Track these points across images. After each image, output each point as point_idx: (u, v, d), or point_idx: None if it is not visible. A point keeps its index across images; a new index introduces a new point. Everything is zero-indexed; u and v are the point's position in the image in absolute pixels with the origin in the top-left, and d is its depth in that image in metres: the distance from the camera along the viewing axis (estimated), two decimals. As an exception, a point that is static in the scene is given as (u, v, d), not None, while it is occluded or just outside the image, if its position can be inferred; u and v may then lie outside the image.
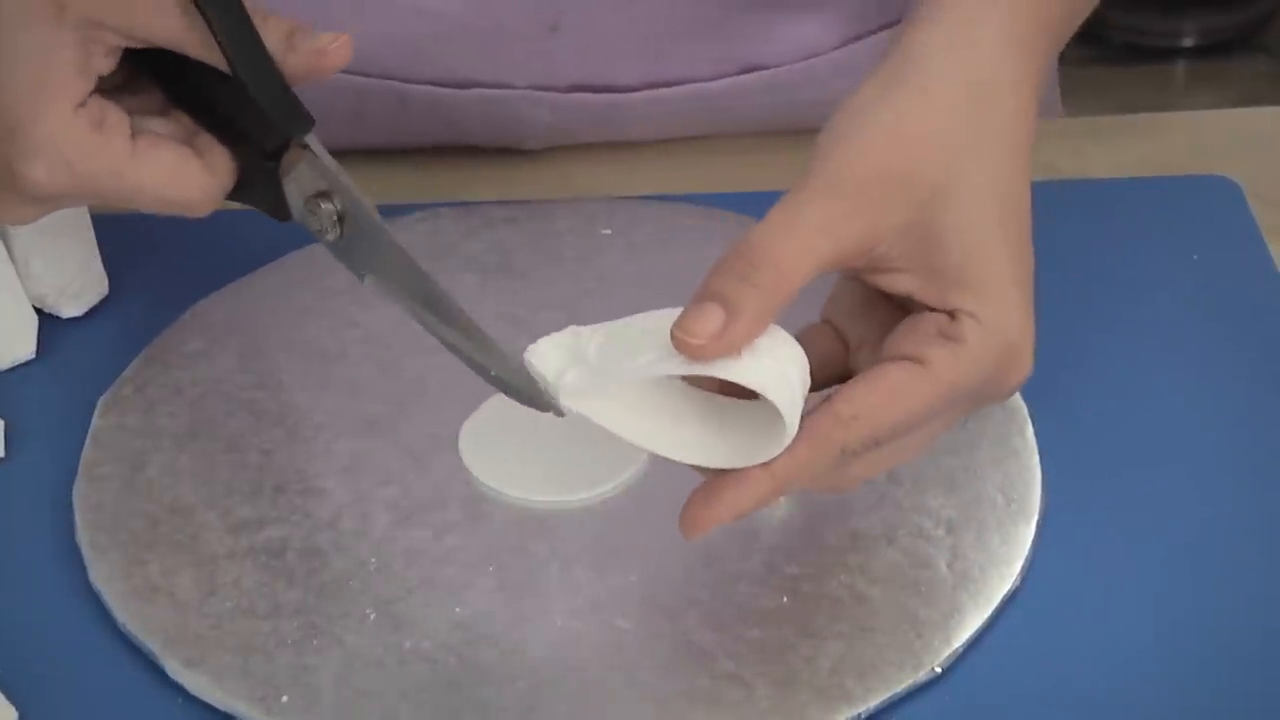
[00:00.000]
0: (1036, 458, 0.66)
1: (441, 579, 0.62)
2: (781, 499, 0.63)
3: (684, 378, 0.56)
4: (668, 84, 0.80)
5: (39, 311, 0.73)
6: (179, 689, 0.59)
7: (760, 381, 0.53)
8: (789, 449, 0.54)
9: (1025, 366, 0.57)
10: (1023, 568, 0.62)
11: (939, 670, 0.59)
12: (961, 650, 0.59)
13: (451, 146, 0.82)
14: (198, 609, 0.61)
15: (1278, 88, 2.30)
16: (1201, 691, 0.59)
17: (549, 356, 0.56)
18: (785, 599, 0.61)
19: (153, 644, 0.60)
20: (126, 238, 0.76)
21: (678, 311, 0.54)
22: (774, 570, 0.62)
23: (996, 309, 0.56)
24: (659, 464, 0.65)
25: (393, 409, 0.68)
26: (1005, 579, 0.61)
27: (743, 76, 0.81)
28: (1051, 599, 0.61)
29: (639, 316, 0.56)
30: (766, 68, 0.81)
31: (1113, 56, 2.28)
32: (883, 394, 0.55)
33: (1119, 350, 0.71)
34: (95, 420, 0.68)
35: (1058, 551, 0.63)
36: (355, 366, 0.70)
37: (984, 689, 0.59)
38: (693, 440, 0.56)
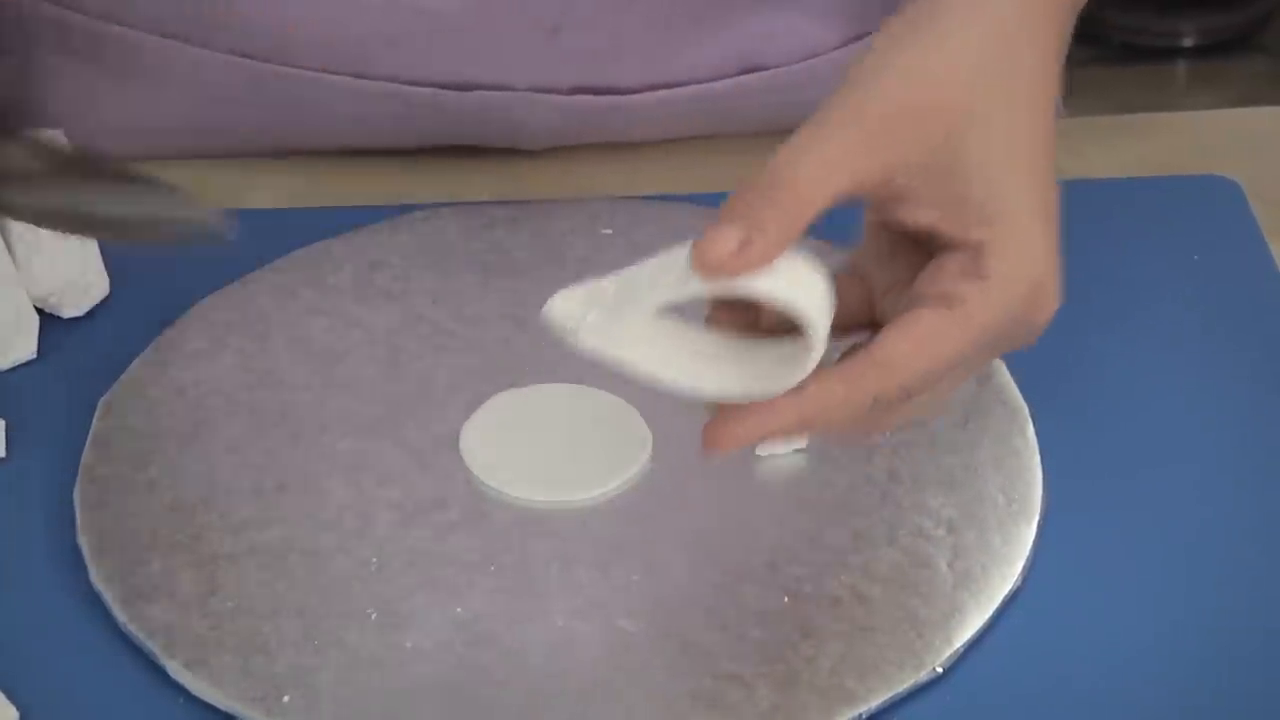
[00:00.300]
0: (1037, 457, 0.66)
1: (443, 579, 0.62)
2: (803, 441, 0.64)
3: (705, 323, 0.56)
4: (669, 85, 0.80)
5: (40, 311, 0.73)
6: (180, 689, 0.59)
7: (783, 294, 0.53)
8: (823, 382, 0.54)
9: (1052, 303, 0.57)
10: (1024, 567, 0.62)
11: (940, 670, 0.59)
12: (962, 650, 0.59)
13: (452, 147, 0.82)
14: (199, 609, 0.61)
15: (1277, 87, 2.30)
16: (1202, 691, 0.59)
17: (567, 303, 0.56)
18: (786, 599, 0.61)
19: (154, 644, 0.60)
20: (127, 238, 0.76)
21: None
22: (775, 570, 0.62)
23: (1020, 242, 0.56)
24: (661, 464, 0.66)
25: (394, 409, 0.68)
26: (1006, 579, 0.61)
27: (744, 77, 0.81)
28: (1052, 599, 0.61)
29: (653, 258, 0.55)
30: (768, 68, 0.81)
31: (1112, 56, 2.28)
32: (916, 340, 0.55)
33: (1119, 350, 0.71)
34: (96, 420, 0.68)
35: (1059, 551, 0.63)
36: (357, 366, 0.70)
37: (985, 689, 0.59)
38: (715, 375, 0.56)
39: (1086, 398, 0.69)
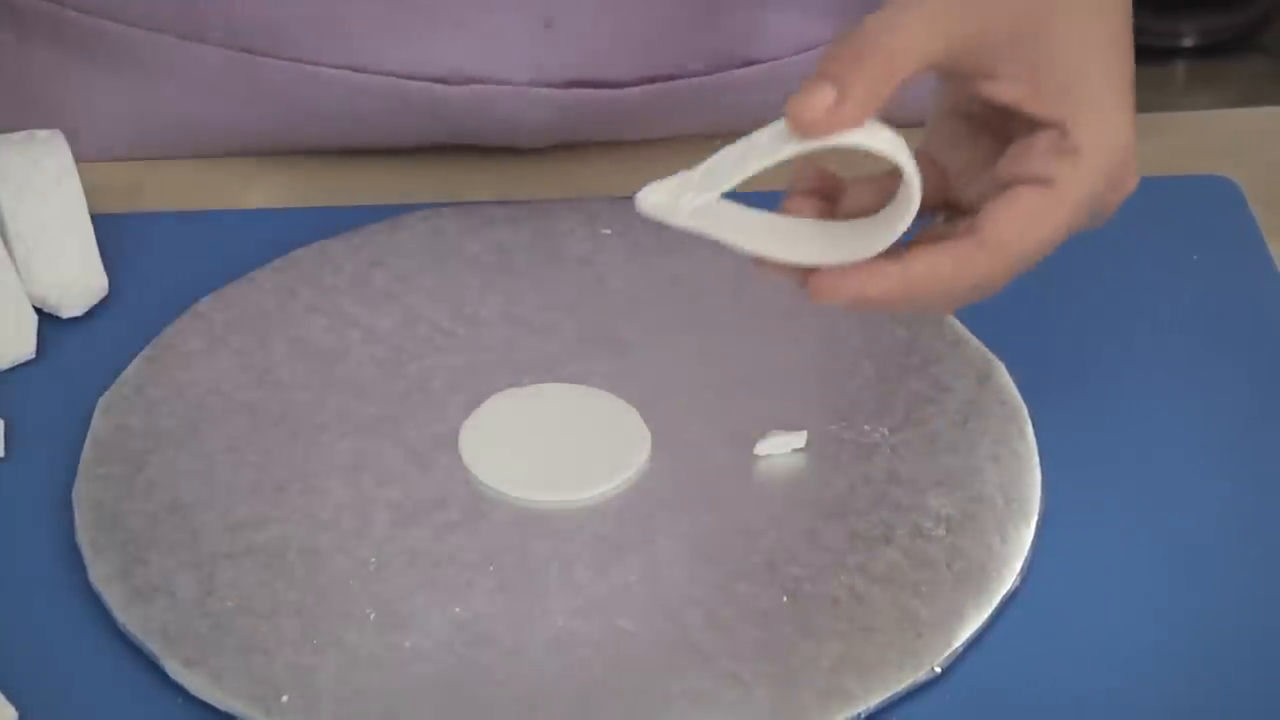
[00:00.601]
0: (1036, 457, 0.66)
1: (442, 579, 0.62)
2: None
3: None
4: (665, 78, 0.80)
5: (39, 311, 0.73)
6: (179, 689, 0.59)
7: (881, 144, 0.55)
8: (933, 257, 0.56)
9: (1133, 179, 0.59)
10: (1022, 567, 0.62)
11: (939, 670, 0.59)
12: (961, 650, 0.59)
13: (452, 146, 0.82)
14: (198, 609, 0.61)
15: (1277, 88, 2.29)
16: (1201, 691, 0.59)
17: (656, 194, 0.57)
18: (785, 599, 0.61)
19: (153, 644, 0.60)
20: (126, 237, 0.76)
21: (773, 126, 0.56)
22: (774, 570, 0.62)
23: (1107, 116, 0.57)
24: (660, 464, 0.66)
25: (393, 409, 0.68)
26: (1005, 579, 0.61)
27: (741, 70, 0.81)
28: (1051, 599, 0.61)
29: (731, 146, 0.57)
30: (764, 61, 0.81)
31: (1112, 56, 2.27)
32: (1022, 222, 0.57)
33: (1118, 350, 0.71)
34: (95, 420, 0.68)
35: (1057, 551, 0.63)
36: (356, 366, 0.70)
37: (984, 689, 0.59)
38: (811, 246, 0.58)
39: (1085, 398, 0.69)
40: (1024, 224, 0.57)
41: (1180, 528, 0.64)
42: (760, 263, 0.58)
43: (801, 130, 0.55)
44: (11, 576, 0.64)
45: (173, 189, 0.80)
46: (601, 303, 0.73)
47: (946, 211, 0.59)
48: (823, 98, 0.54)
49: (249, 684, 0.59)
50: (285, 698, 0.58)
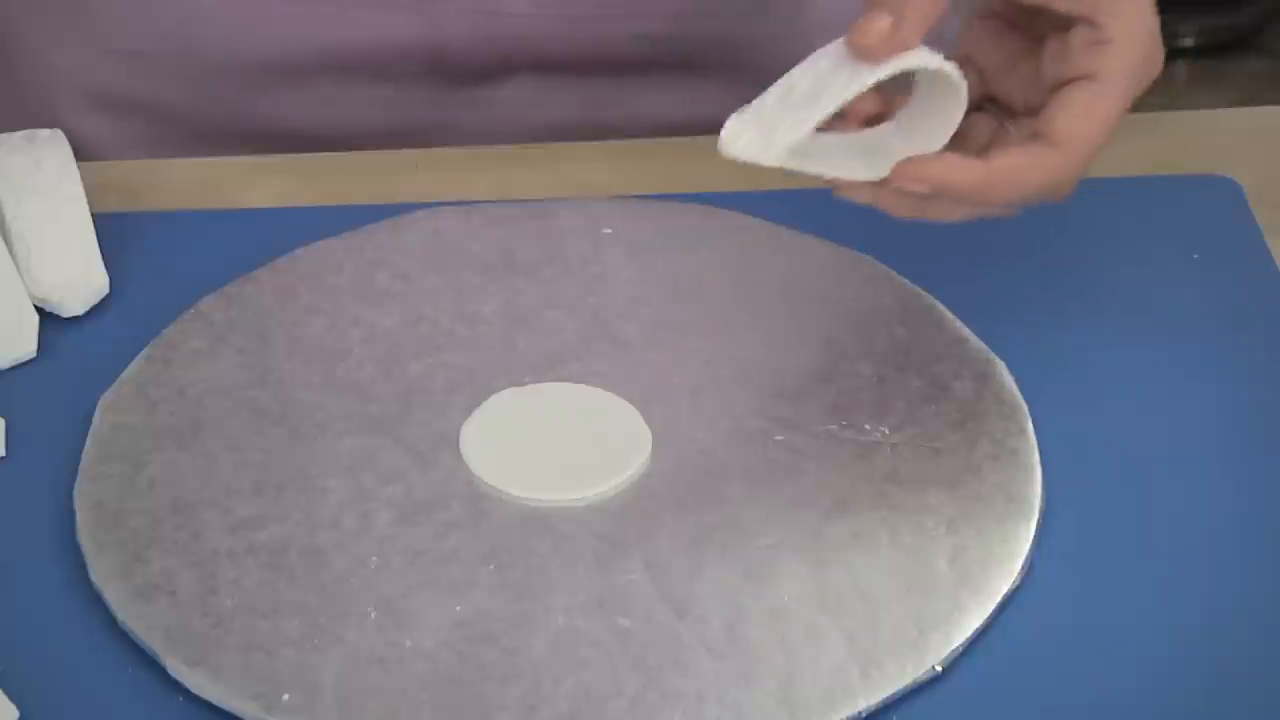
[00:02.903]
0: (1037, 456, 0.66)
1: (443, 577, 0.62)
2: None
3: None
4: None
5: (40, 310, 0.73)
6: (180, 687, 0.59)
7: (931, 61, 0.61)
8: (1009, 156, 0.62)
9: (1161, 56, 0.63)
10: (1023, 566, 0.62)
11: (939, 668, 0.59)
12: (962, 648, 0.59)
13: (452, 145, 0.82)
14: (199, 608, 0.61)
15: (1277, 87, 2.30)
16: (1201, 690, 0.59)
17: (738, 138, 0.61)
18: (786, 597, 0.61)
19: (154, 643, 0.60)
20: (127, 236, 0.76)
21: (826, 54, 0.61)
22: (775, 568, 0.62)
23: (1129, 3, 0.62)
24: (661, 463, 0.66)
25: (394, 408, 0.68)
26: (1006, 577, 0.61)
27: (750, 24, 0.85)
28: (1052, 597, 0.62)
29: (790, 76, 0.62)
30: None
31: (1112, 56, 2.27)
32: (1081, 116, 0.62)
33: (1119, 349, 0.71)
34: (96, 419, 0.68)
35: (1058, 549, 0.63)
36: (357, 365, 0.70)
37: (985, 687, 0.59)
38: (884, 159, 0.63)
39: (1086, 396, 0.69)
40: (1082, 119, 0.62)
41: (1180, 526, 0.64)
42: (840, 186, 0.63)
43: (864, 56, 0.60)
44: (12, 576, 0.64)
45: (173, 189, 0.81)
46: (602, 302, 0.73)
47: (987, 105, 0.65)
48: (880, 24, 0.60)
49: (250, 683, 0.59)
50: (286, 696, 0.58)
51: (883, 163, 0.62)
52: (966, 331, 0.70)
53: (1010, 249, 0.68)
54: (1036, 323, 0.72)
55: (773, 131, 0.61)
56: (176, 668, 0.59)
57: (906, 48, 0.61)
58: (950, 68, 0.62)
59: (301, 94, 0.84)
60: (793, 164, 0.61)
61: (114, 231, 0.76)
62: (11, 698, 0.59)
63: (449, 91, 0.86)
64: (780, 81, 0.62)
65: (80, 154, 0.76)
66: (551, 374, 0.69)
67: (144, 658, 0.60)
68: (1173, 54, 2.51)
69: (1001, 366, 0.69)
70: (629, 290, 0.73)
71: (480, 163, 0.82)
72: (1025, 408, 0.67)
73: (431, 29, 0.82)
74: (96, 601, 0.62)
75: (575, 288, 0.73)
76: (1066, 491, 0.65)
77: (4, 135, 0.76)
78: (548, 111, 0.88)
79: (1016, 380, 0.69)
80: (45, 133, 0.76)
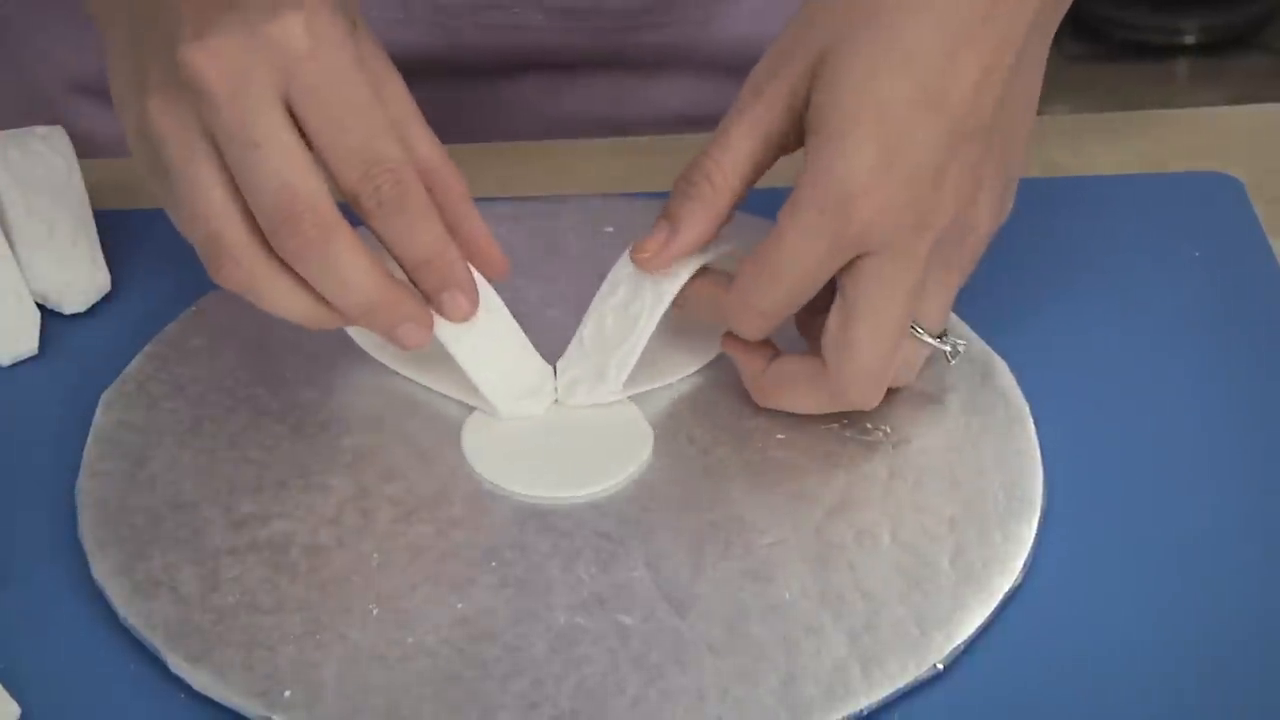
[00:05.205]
0: (1038, 454, 0.66)
1: (444, 574, 0.62)
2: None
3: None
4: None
5: (41, 308, 0.73)
6: (181, 684, 0.59)
7: (725, 248, 0.65)
8: (785, 360, 0.65)
9: (863, 212, 0.59)
10: (1025, 564, 0.62)
11: (941, 667, 0.59)
12: (964, 647, 0.59)
13: (452, 144, 0.82)
14: (200, 604, 0.61)
15: (1279, 85, 2.30)
16: (1202, 689, 0.59)
17: (576, 394, 0.68)
18: (788, 595, 0.61)
19: (155, 639, 0.60)
20: (129, 233, 0.76)
21: (620, 278, 0.67)
22: (777, 567, 0.62)
23: (832, 149, 0.59)
24: (662, 460, 0.66)
25: (396, 405, 0.68)
26: (1007, 576, 0.61)
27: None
28: (1053, 596, 0.62)
29: (596, 307, 0.67)
30: None
31: (1114, 53, 2.28)
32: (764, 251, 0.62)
33: (1120, 347, 0.71)
34: (97, 416, 0.68)
35: (1059, 548, 0.63)
36: (358, 363, 0.70)
37: (986, 686, 0.59)
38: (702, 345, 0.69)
39: (1088, 395, 0.69)
40: (764, 253, 0.62)
41: (1182, 525, 0.64)
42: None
43: (644, 267, 0.65)
44: (14, 572, 0.64)
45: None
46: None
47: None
48: (656, 236, 0.64)
49: (252, 679, 0.59)
50: (288, 693, 0.58)
51: (701, 344, 0.69)
52: (968, 330, 0.70)
53: (1011, 248, 0.68)
54: (1038, 322, 0.72)
55: (604, 373, 0.67)
56: (178, 664, 0.59)
57: (685, 254, 0.64)
58: (735, 251, 0.65)
59: None
60: (631, 391, 0.67)
61: (116, 229, 0.76)
62: (13, 694, 0.59)
63: (456, 89, 0.86)
64: (587, 320, 0.67)
65: (82, 151, 0.76)
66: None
67: (145, 654, 0.60)
68: (1174, 51, 2.52)
69: (1003, 365, 0.69)
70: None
71: (481, 160, 0.82)
72: (1026, 407, 0.67)
73: (449, 41, 0.82)
74: (98, 598, 0.62)
75: (576, 285, 0.73)
76: (1067, 491, 0.65)
77: (6, 131, 0.76)
78: (555, 108, 0.88)
79: (1018, 378, 0.69)
80: (47, 129, 0.76)
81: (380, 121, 0.61)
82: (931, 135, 0.59)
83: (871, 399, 0.64)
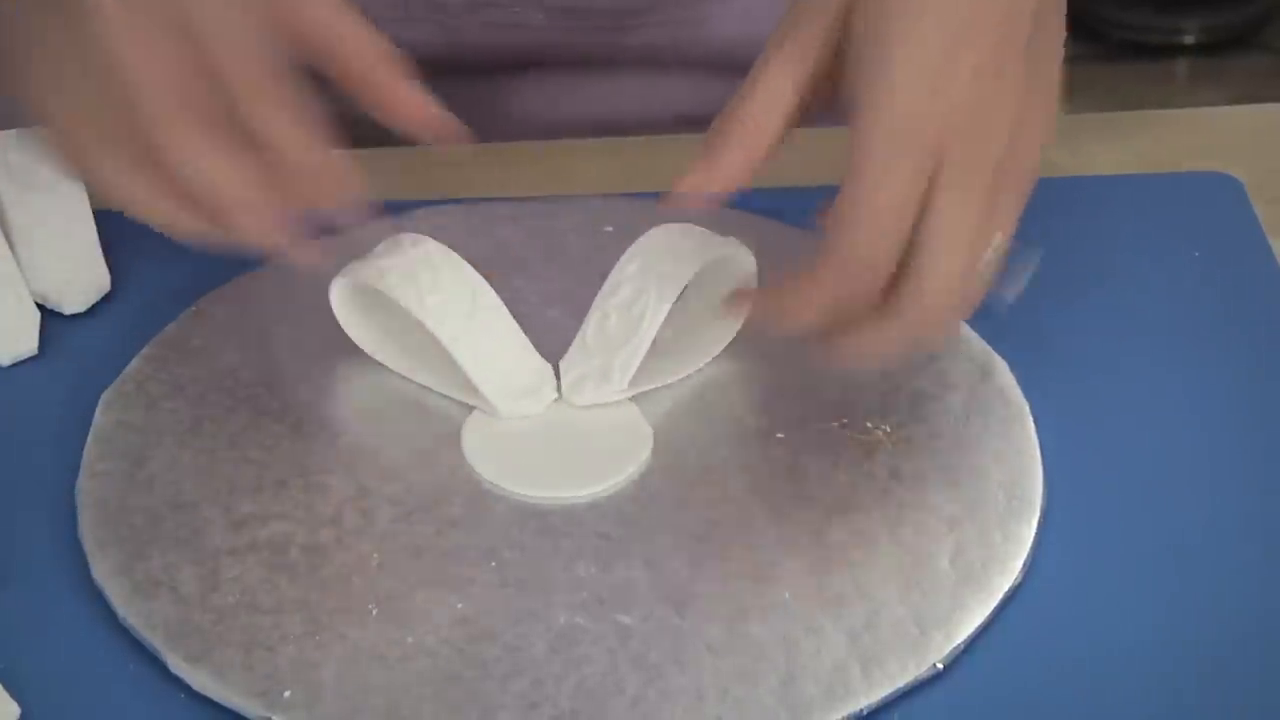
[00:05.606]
0: (1038, 454, 0.66)
1: (444, 575, 0.62)
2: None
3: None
4: None
5: (41, 307, 0.73)
6: (181, 684, 0.59)
7: (729, 246, 0.66)
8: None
9: (933, 118, 0.58)
10: (1024, 564, 0.62)
11: (941, 666, 0.59)
12: (963, 646, 0.59)
13: (452, 146, 0.82)
14: (200, 604, 0.61)
15: (1279, 85, 2.30)
16: (1202, 688, 0.59)
17: (584, 392, 0.68)
18: (788, 595, 0.61)
19: (155, 639, 0.60)
20: (129, 233, 0.76)
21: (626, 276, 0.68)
22: (777, 566, 0.62)
23: (887, 64, 0.58)
24: (662, 460, 0.66)
25: (395, 405, 0.68)
26: (1007, 575, 0.61)
27: None
28: (1053, 595, 0.62)
29: (600, 304, 0.68)
30: None
31: (1114, 53, 2.28)
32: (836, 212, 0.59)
33: (1120, 347, 0.71)
34: (97, 416, 0.68)
35: (1060, 548, 0.63)
36: (358, 363, 0.70)
37: (986, 685, 0.59)
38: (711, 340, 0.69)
39: (1087, 395, 0.69)
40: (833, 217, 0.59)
41: (1182, 524, 0.64)
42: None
43: (678, 205, 0.62)
44: (14, 572, 0.64)
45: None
46: (603, 299, 0.73)
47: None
48: (693, 177, 0.62)
49: (251, 679, 0.59)
50: (288, 693, 0.58)
51: (704, 343, 0.69)
52: (968, 329, 0.70)
53: (1011, 248, 0.68)
54: (1038, 320, 0.72)
55: (608, 373, 0.67)
56: (178, 664, 0.59)
57: (722, 192, 0.61)
58: (739, 250, 0.66)
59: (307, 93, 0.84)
60: (636, 390, 0.67)
61: (115, 228, 0.76)
62: (13, 695, 0.59)
63: (455, 88, 0.86)
64: (590, 318, 0.67)
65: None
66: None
67: (145, 654, 0.60)
68: (1174, 51, 2.53)
69: (1003, 364, 0.69)
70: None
71: (480, 160, 0.82)
72: (1026, 406, 0.67)
73: (448, 40, 0.82)
74: (98, 598, 0.62)
75: (576, 285, 0.73)
76: (1067, 490, 0.65)
77: (6, 132, 0.76)
78: (555, 107, 0.88)
79: (1018, 377, 0.69)
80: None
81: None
82: (986, 36, 0.58)
83: (958, 313, 0.61)
